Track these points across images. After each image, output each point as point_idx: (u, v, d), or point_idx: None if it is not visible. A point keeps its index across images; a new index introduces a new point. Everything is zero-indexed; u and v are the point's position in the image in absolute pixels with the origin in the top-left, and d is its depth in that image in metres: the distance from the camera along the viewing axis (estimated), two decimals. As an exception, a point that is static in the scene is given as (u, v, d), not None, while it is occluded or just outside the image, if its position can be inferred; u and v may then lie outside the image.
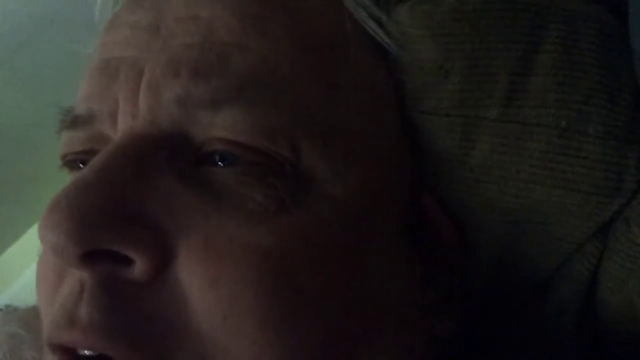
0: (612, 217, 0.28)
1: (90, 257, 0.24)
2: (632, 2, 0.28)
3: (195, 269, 0.24)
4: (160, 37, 0.28)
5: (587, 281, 0.30)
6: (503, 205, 0.28)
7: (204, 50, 0.27)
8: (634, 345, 0.29)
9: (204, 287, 0.24)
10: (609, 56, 0.28)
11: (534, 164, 0.27)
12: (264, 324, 0.24)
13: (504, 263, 0.30)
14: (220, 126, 0.26)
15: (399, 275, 0.28)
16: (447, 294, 0.30)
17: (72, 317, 0.24)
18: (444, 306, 0.30)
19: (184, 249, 0.25)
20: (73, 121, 0.29)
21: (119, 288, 0.25)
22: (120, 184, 0.25)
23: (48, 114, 0.30)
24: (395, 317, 0.28)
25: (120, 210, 0.25)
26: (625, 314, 0.29)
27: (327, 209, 0.26)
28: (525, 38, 0.28)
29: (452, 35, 0.28)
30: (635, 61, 0.28)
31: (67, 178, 0.31)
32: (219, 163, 0.26)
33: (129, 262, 0.25)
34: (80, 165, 0.30)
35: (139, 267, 0.24)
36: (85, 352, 0.25)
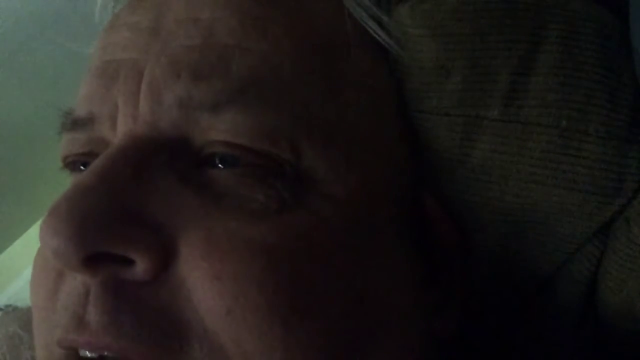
0: (613, 217, 0.28)
1: (92, 260, 0.24)
2: (632, 2, 0.28)
3: (198, 265, 0.24)
4: (160, 39, 0.28)
5: (587, 281, 0.30)
6: (503, 204, 0.28)
7: (204, 51, 0.27)
8: (634, 345, 0.29)
9: (207, 282, 0.24)
10: (610, 56, 0.28)
11: (534, 164, 0.27)
12: (271, 319, 0.24)
13: (505, 263, 0.30)
14: (220, 128, 0.26)
15: (400, 275, 0.28)
16: (448, 293, 0.30)
17: (81, 321, 0.25)
18: (445, 306, 0.30)
19: (186, 246, 0.25)
20: (73, 123, 0.29)
21: (124, 289, 0.25)
22: (121, 186, 0.25)
23: (48, 113, 0.30)
24: (396, 316, 0.28)
25: (121, 212, 0.25)
26: (625, 314, 0.29)
27: (328, 208, 0.26)
28: (526, 38, 0.28)
29: (452, 34, 0.28)
30: (635, 61, 0.28)
31: (67, 178, 0.31)
32: (219, 165, 0.26)
33: (131, 263, 0.25)
34: (81, 167, 0.30)
35: (141, 267, 0.25)
36: (88, 353, 0.25)
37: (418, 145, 0.29)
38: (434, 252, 0.29)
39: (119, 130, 0.27)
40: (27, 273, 0.30)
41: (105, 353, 0.25)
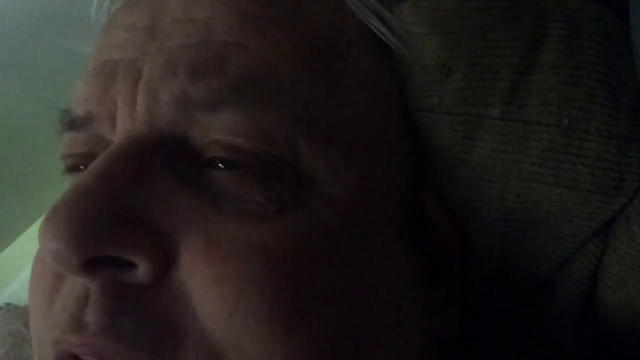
0: (614, 216, 0.28)
1: (91, 264, 0.24)
2: (632, 1, 0.28)
3: (198, 269, 0.24)
4: (157, 38, 0.27)
5: (588, 280, 0.30)
6: (505, 204, 0.28)
7: (201, 50, 0.26)
8: (635, 344, 0.29)
9: (207, 286, 0.24)
10: (611, 55, 0.28)
11: (535, 163, 0.27)
12: (272, 322, 0.24)
13: (505, 262, 0.30)
14: (218, 128, 0.26)
15: (401, 275, 0.28)
16: (448, 293, 0.30)
17: (79, 323, 0.24)
18: (445, 306, 0.30)
19: (186, 250, 0.25)
20: (71, 123, 0.29)
21: (124, 293, 0.24)
22: (120, 188, 0.25)
23: (48, 113, 0.30)
24: (397, 316, 0.28)
25: (120, 215, 0.24)
26: (625, 313, 0.29)
27: (328, 209, 0.26)
28: (528, 36, 0.28)
29: (455, 33, 0.28)
30: (636, 59, 0.28)
31: (67, 177, 0.31)
32: (219, 165, 0.26)
33: (131, 266, 0.25)
34: (81, 167, 0.30)
35: (142, 271, 0.24)
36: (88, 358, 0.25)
37: (419, 145, 0.29)
38: (435, 252, 0.29)
39: (118, 131, 0.27)
40: (27, 272, 0.30)
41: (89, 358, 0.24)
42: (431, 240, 0.29)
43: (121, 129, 0.27)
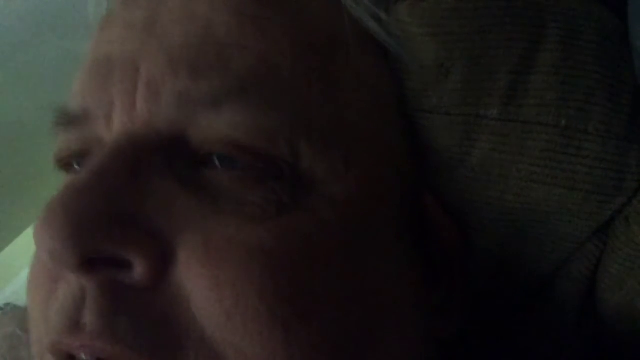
0: (613, 216, 0.28)
1: (88, 263, 0.24)
2: (631, 0, 0.28)
3: (196, 270, 0.24)
4: (156, 36, 0.27)
5: (587, 280, 0.29)
6: (503, 204, 0.28)
7: (202, 50, 0.26)
8: (634, 344, 0.29)
9: (205, 287, 0.24)
10: (610, 55, 0.28)
11: (534, 163, 0.27)
12: (272, 324, 0.24)
13: (505, 262, 0.30)
14: (219, 127, 0.25)
15: (400, 275, 0.28)
16: (449, 294, 0.30)
17: (76, 324, 0.24)
18: (446, 306, 0.30)
19: (184, 250, 0.24)
20: (67, 120, 0.29)
21: (121, 293, 0.24)
22: (116, 187, 0.25)
23: (47, 113, 0.30)
24: (397, 316, 0.28)
25: (117, 214, 0.24)
26: (625, 313, 0.29)
27: (328, 209, 0.26)
28: (526, 36, 0.28)
29: (453, 33, 0.28)
30: (635, 58, 0.28)
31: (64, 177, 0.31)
32: (218, 164, 0.26)
33: (128, 265, 0.24)
34: (76, 166, 0.29)
35: (139, 271, 0.24)
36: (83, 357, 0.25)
37: (418, 145, 0.29)
38: (435, 253, 0.29)
39: (115, 129, 0.27)
40: (26, 273, 0.30)
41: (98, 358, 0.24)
42: (431, 241, 0.29)
43: (118, 128, 0.27)
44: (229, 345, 0.24)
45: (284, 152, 0.25)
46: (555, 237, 0.29)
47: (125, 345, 0.24)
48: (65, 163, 0.30)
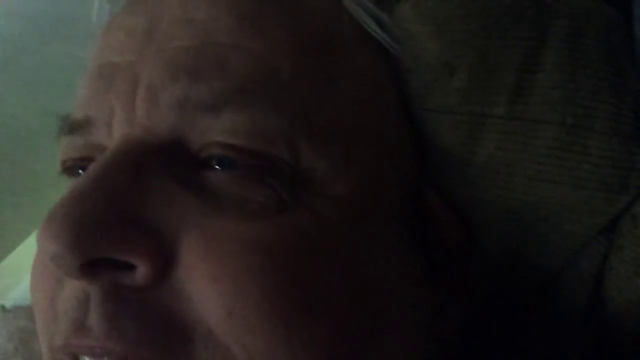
0: (619, 214, 0.28)
1: (90, 266, 0.24)
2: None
3: (197, 267, 0.24)
4: (154, 41, 0.27)
5: (593, 279, 0.29)
6: (509, 202, 0.28)
7: (201, 52, 0.26)
8: (640, 343, 0.29)
9: (206, 284, 0.24)
10: (615, 53, 0.28)
11: (540, 161, 0.27)
12: (272, 318, 0.24)
13: (510, 261, 0.30)
14: (218, 129, 0.25)
15: (402, 273, 0.28)
16: (451, 292, 0.30)
17: (82, 327, 0.25)
18: (448, 305, 0.30)
19: (185, 249, 0.25)
20: (71, 127, 0.29)
21: (125, 295, 0.24)
22: (117, 191, 0.25)
23: (51, 117, 0.30)
24: (398, 314, 0.28)
25: (118, 217, 0.24)
26: (631, 311, 0.29)
27: (328, 207, 0.26)
28: (532, 35, 0.28)
29: (458, 31, 0.28)
30: (637, 49, 0.28)
31: (68, 182, 0.31)
32: (217, 167, 0.26)
33: (130, 267, 0.25)
34: (80, 171, 0.30)
35: (141, 272, 0.24)
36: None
37: (422, 143, 0.29)
38: (437, 251, 0.29)
39: (115, 135, 0.27)
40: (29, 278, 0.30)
41: (106, 359, 0.24)
42: (433, 239, 0.29)
43: (118, 134, 0.27)
44: (233, 339, 0.24)
45: (284, 153, 0.25)
46: (561, 236, 0.29)
47: (134, 345, 0.24)
48: (69, 168, 0.30)
